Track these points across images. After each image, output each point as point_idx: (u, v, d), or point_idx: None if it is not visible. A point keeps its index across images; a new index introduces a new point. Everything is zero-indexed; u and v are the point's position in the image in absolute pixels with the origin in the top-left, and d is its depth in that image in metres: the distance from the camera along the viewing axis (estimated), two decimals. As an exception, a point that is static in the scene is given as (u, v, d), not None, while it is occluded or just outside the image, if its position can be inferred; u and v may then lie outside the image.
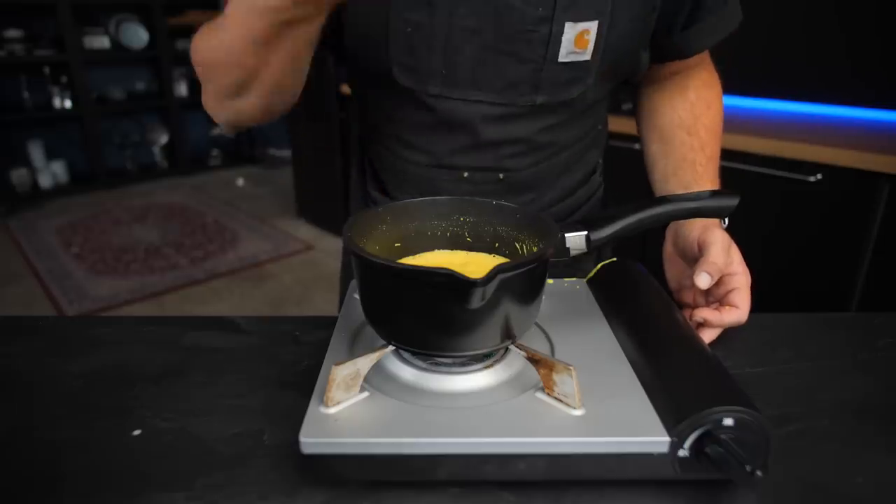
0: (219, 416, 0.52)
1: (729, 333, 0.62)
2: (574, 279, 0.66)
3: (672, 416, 0.42)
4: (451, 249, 0.59)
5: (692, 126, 0.73)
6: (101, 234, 3.34)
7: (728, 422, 0.40)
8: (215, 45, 0.61)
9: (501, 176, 0.72)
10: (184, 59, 4.36)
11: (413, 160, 0.72)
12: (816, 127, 1.72)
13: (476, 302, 0.41)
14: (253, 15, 0.51)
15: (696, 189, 0.70)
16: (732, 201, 0.55)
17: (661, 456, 0.41)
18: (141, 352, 0.62)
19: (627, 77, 0.73)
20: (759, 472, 0.39)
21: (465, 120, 0.67)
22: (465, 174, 0.71)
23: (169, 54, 4.19)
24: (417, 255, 0.58)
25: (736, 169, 1.61)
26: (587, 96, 0.68)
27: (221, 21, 0.57)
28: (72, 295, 2.65)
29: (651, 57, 0.71)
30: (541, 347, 0.52)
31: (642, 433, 0.41)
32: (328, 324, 0.57)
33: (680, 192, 0.72)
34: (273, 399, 0.54)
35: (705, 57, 0.76)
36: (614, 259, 0.65)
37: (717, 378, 0.45)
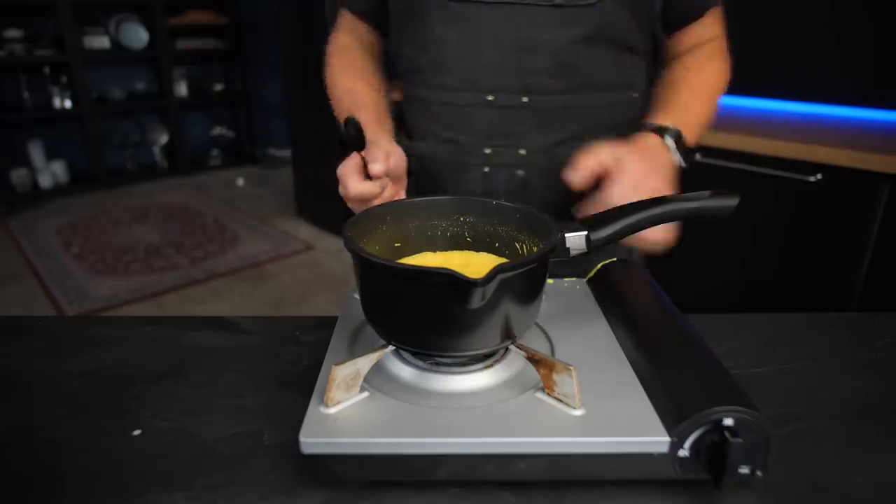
0: (219, 416, 0.52)
1: (730, 334, 0.62)
2: (574, 279, 0.66)
3: (672, 416, 0.42)
4: (451, 249, 0.59)
5: (683, 74, 0.78)
6: (101, 234, 3.34)
7: (728, 422, 0.40)
8: (332, 97, 0.82)
9: (525, 99, 0.73)
10: (184, 59, 4.36)
11: (440, 83, 0.76)
12: (816, 127, 1.72)
13: (476, 302, 0.41)
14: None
15: (661, 110, 0.74)
16: (733, 201, 0.55)
17: (661, 456, 0.41)
18: (141, 352, 0.62)
19: (645, 13, 0.75)
20: (759, 472, 0.39)
21: (489, 24, 0.71)
22: (490, 97, 0.74)
23: (169, 54, 4.19)
24: (417, 255, 0.58)
25: (735, 169, 1.61)
26: (606, 7, 0.70)
27: (337, 93, 0.81)
28: (72, 295, 2.65)
29: (666, 23, 0.78)
30: (541, 347, 0.52)
31: (642, 433, 0.41)
32: (328, 324, 0.57)
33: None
34: (273, 399, 0.54)
35: (718, 37, 0.80)
36: (614, 259, 0.65)
37: (717, 378, 0.45)
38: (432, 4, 0.73)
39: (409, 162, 0.74)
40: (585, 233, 0.54)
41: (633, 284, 0.61)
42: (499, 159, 0.77)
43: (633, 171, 0.61)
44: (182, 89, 4.37)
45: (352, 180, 0.62)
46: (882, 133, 1.63)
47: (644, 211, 0.55)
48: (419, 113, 0.81)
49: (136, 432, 0.50)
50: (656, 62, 0.82)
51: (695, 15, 0.78)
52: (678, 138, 0.68)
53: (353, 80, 0.81)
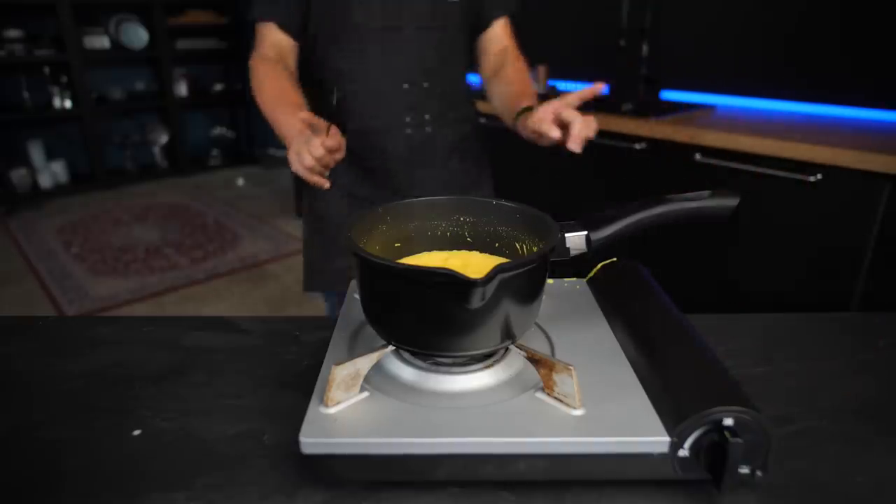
0: (219, 416, 0.52)
1: (730, 334, 0.62)
2: (574, 279, 0.66)
3: (672, 416, 0.42)
4: (452, 249, 0.59)
5: (515, 78, 1.04)
6: (101, 234, 3.34)
7: (728, 422, 0.40)
8: (261, 102, 0.96)
9: (426, 85, 1.01)
10: (184, 60, 4.36)
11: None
12: (816, 127, 1.72)
13: (476, 302, 0.41)
14: (279, 131, 0.87)
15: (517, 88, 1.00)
16: (733, 201, 0.55)
17: (661, 456, 0.41)
18: (141, 352, 0.62)
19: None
20: (759, 473, 0.39)
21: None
22: (405, 85, 1.01)
23: (169, 54, 4.19)
24: (416, 255, 0.58)
25: (735, 169, 1.61)
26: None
27: (269, 103, 0.94)
28: (72, 295, 2.65)
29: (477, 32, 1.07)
30: (541, 347, 0.52)
31: (642, 433, 0.41)
32: (328, 324, 0.57)
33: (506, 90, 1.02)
34: (273, 399, 0.54)
35: (510, 44, 1.08)
36: (614, 259, 0.65)
37: (717, 378, 0.45)
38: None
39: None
40: (585, 233, 0.54)
41: (634, 284, 0.61)
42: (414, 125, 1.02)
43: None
44: (182, 89, 4.37)
45: (314, 144, 0.73)
46: (882, 133, 1.63)
47: (644, 211, 0.55)
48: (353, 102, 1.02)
49: (136, 432, 0.50)
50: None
51: (482, 25, 1.06)
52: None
53: (279, 82, 0.97)
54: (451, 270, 0.40)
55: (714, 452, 0.40)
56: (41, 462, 0.47)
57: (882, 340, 0.64)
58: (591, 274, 0.65)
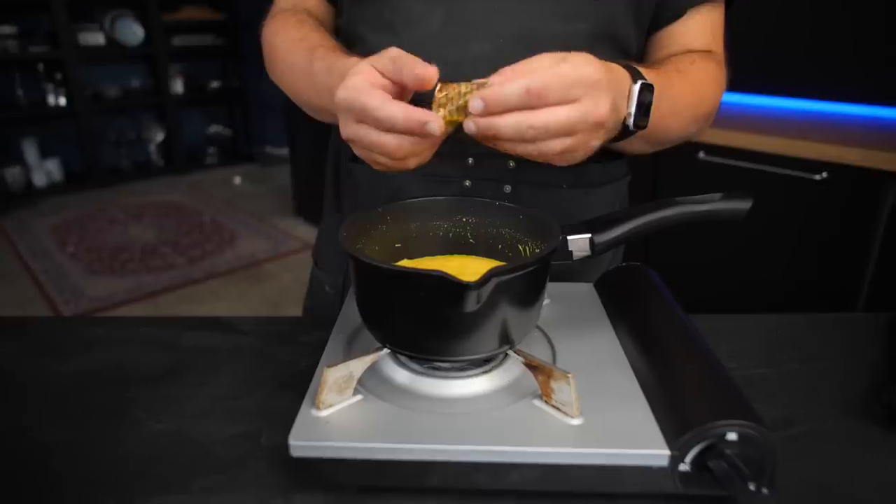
0: (216, 418, 0.52)
1: (734, 334, 0.62)
2: (580, 282, 0.65)
3: (674, 428, 0.41)
4: (454, 251, 0.59)
5: (674, 62, 0.65)
6: (96, 233, 3.34)
7: (732, 436, 0.39)
8: (279, 71, 0.68)
9: None
10: (180, 57, 4.36)
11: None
12: (822, 124, 1.72)
13: (470, 305, 0.41)
14: (325, 106, 0.58)
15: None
16: (745, 204, 0.53)
17: (661, 469, 0.40)
18: (137, 352, 0.62)
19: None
20: (764, 490, 0.38)
21: (480, 9, 0.61)
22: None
23: (165, 51, 4.19)
24: (418, 259, 0.58)
25: (739, 167, 1.61)
26: (611, 4, 0.61)
27: (302, 63, 0.62)
28: (67, 295, 2.65)
29: (648, 29, 0.68)
30: (543, 353, 0.52)
31: (642, 445, 0.40)
32: (327, 324, 0.57)
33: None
34: (271, 400, 0.54)
35: (711, 48, 0.69)
36: (623, 263, 0.65)
37: (723, 389, 0.44)
38: None
39: (359, 180, 0.69)
40: (589, 235, 0.53)
41: (642, 288, 0.60)
42: (483, 171, 0.67)
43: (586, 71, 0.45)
44: (178, 86, 4.37)
45: (373, 96, 0.44)
46: (889, 131, 1.63)
47: (651, 214, 0.54)
48: None
49: (131, 434, 0.50)
50: None
51: (672, 15, 0.67)
52: (646, 94, 0.52)
53: (304, 31, 0.65)
54: (443, 273, 0.39)
55: (717, 468, 0.39)
56: (33, 464, 0.47)
57: (888, 341, 0.64)
58: (599, 277, 0.64)
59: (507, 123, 0.43)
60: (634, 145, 0.64)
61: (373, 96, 0.44)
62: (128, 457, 0.47)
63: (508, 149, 0.46)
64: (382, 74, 0.46)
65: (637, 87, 0.50)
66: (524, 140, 0.45)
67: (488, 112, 0.43)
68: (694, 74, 0.63)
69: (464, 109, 0.45)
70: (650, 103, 0.51)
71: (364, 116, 0.45)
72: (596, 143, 0.48)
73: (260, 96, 4.49)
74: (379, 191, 0.70)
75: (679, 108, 0.62)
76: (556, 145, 0.45)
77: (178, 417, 0.52)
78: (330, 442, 0.41)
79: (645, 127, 0.52)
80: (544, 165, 0.58)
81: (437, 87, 0.46)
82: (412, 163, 0.48)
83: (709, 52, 0.68)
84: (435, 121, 0.43)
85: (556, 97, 0.43)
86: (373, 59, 0.47)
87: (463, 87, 0.46)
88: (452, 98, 0.46)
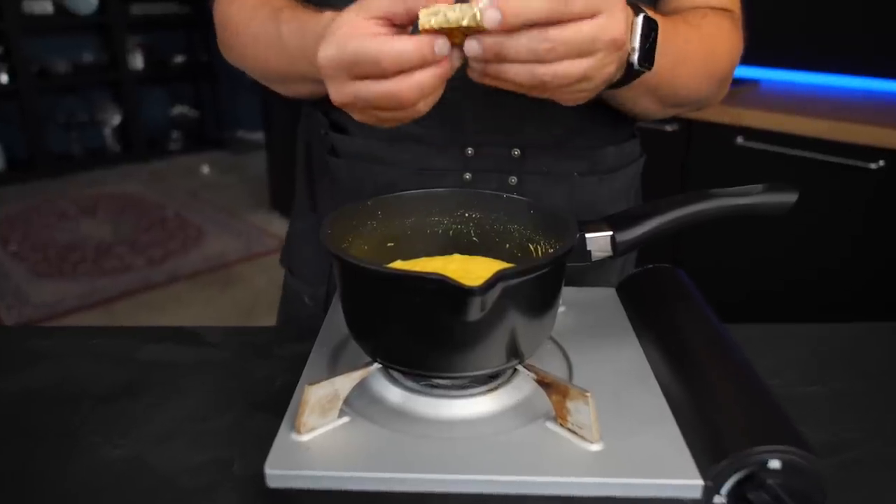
0: (180, 443, 0.52)
1: (776, 347, 0.62)
2: (601, 287, 0.65)
3: (708, 454, 0.41)
4: (454, 250, 0.59)
5: (684, 15, 0.64)
6: (43, 229, 3.34)
7: (775, 464, 0.39)
8: (240, 45, 0.71)
9: None
10: (139, 27, 4.36)
11: None
12: (878, 105, 1.72)
13: (474, 314, 0.41)
14: (303, 74, 0.59)
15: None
16: (791, 197, 0.53)
17: (693, 502, 0.40)
18: (89, 367, 0.62)
19: None
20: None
21: None
22: None
23: (122, 21, 4.19)
24: (414, 260, 0.58)
25: (783, 154, 1.61)
26: None
27: (268, 31, 0.63)
28: (9, 300, 2.65)
29: None
30: (557, 368, 0.52)
31: (671, 475, 0.40)
32: (308, 335, 0.57)
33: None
34: (243, 422, 0.54)
35: (728, 4, 0.70)
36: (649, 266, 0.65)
37: (764, 410, 0.44)
38: None
39: (338, 176, 0.69)
40: (611, 233, 0.53)
41: (671, 293, 0.60)
42: (485, 162, 0.68)
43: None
44: (137, 61, 4.37)
45: (370, 41, 0.44)
46: (954, 112, 1.63)
47: (682, 208, 0.54)
48: None
49: (83, 461, 0.50)
50: None
51: None
52: (649, 32, 0.52)
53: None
54: (443, 276, 0.39)
55: (757, 501, 0.39)
56: (-28, 496, 0.47)
57: (954, 354, 0.64)
58: (622, 280, 0.64)
59: (520, 41, 0.42)
60: (646, 103, 0.65)
61: (369, 41, 0.44)
62: (79, 488, 0.47)
63: (511, 78, 0.45)
64: (376, 23, 0.45)
65: (640, 19, 0.50)
66: (538, 60, 0.43)
67: (506, 26, 0.41)
68: (705, 28, 0.64)
69: (460, 31, 0.43)
70: (654, 41, 0.51)
71: (363, 68, 0.45)
72: (612, 68, 0.47)
73: (231, 72, 4.47)
74: (363, 187, 0.70)
75: (688, 58, 0.62)
76: (575, 68, 0.44)
77: (136, 442, 0.52)
78: (312, 471, 0.41)
79: (650, 67, 0.52)
80: (552, 152, 0.58)
81: (421, 14, 0.44)
82: (424, 105, 0.47)
83: (724, 9, 0.69)
84: (442, 39, 0.43)
85: (580, 7, 0.42)
86: (357, 6, 0.46)
87: (454, 9, 0.43)
88: (448, 20, 0.43)
